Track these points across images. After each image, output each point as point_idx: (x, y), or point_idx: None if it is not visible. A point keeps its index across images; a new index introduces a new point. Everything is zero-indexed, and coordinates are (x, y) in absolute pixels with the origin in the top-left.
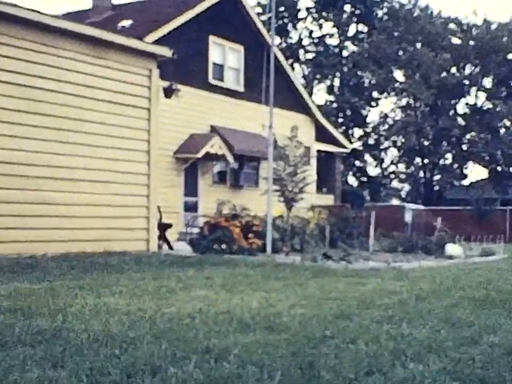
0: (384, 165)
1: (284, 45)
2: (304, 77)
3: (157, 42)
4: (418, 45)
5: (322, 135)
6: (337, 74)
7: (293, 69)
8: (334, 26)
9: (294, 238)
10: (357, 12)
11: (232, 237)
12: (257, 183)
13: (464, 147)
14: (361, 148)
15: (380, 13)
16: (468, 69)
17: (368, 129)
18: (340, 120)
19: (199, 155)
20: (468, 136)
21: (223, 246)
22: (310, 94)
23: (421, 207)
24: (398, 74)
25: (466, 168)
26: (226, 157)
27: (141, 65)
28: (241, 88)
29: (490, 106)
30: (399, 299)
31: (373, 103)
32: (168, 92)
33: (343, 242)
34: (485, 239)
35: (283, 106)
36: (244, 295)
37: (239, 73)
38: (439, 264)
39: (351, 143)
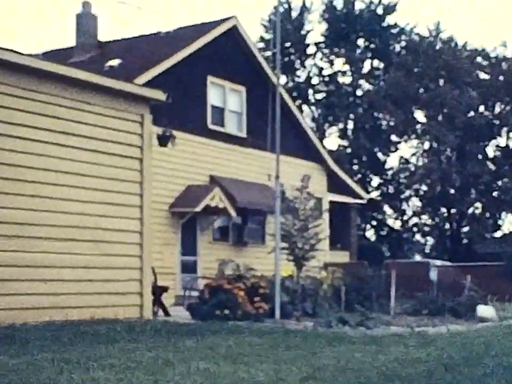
0: (405, 217)
1: (290, 84)
2: (313, 119)
3: (149, 84)
4: (441, 82)
5: (335, 184)
6: (351, 116)
7: (301, 111)
8: (346, 62)
9: (305, 301)
10: (372, 46)
11: (236, 301)
12: (263, 239)
13: (495, 194)
14: (379, 198)
15: (398, 47)
16: (498, 107)
17: (387, 177)
18: (355, 167)
19: (198, 209)
20: (499, 182)
21: (226, 312)
22: (321, 138)
23: (448, 263)
24: (419, 115)
25: (498, 218)
26: (228, 211)
27: (132, 110)
28: (243, 134)
29: None
30: (425, 369)
31: (392, 148)
32: (163, 140)
33: (361, 305)
34: None
35: (291, 153)
36: (250, 367)
37: (241, 117)
38: (470, 328)
39: (368, 192)
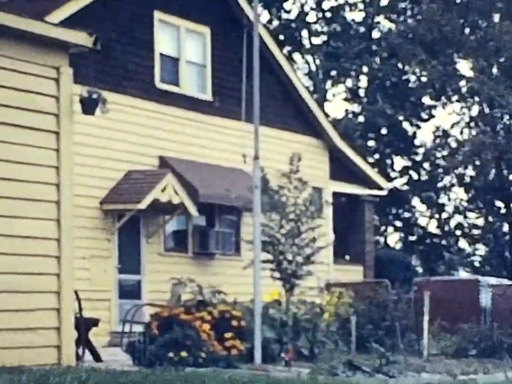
0: (444, 215)
1: (276, 23)
2: (310, 74)
3: (68, 23)
4: (496, 17)
5: (341, 168)
6: (364, 69)
7: (292, 62)
8: None
9: (299, 338)
10: None
11: (198, 338)
12: (237, 249)
13: None
14: (406, 188)
15: None
16: None
17: (417, 157)
18: (370, 143)
19: (142, 205)
20: None
21: (184, 354)
22: (321, 102)
23: (507, 281)
24: (464, 66)
25: None
26: (187, 208)
27: (43, 61)
28: (208, 96)
29: None
30: None
31: (424, 115)
32: (89, 105)
33: (379, 343)
34: None
35: (276, 123)
36: None
37: (204, 71)
38: None
39: (390, 180)
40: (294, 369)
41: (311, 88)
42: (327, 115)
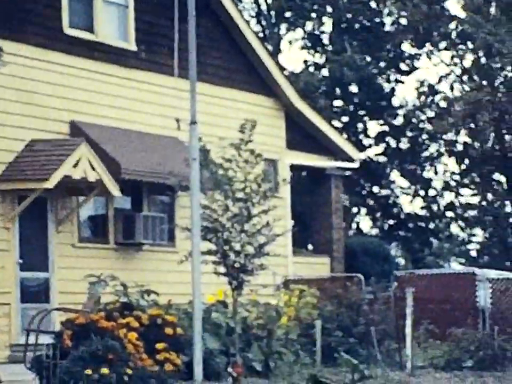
0: (431, 192)
1: None
2: (260, 16)
3: None
4: None
5: (301, 135)
6: (328, 8)
7: (238, 0)
8: None
9: (250, 349)
10: None
11: (123, 350)
12: (171, 238)
13: None
14: (382, 159)
15: None
16: None
17: (396, 121)
18: (337, 103)
19: (49, 184)
20: None
21: (105, 371)
22: (275, 52)
23: (510, 274)
24: (454, 5)
25: None
26: (106, 187)
27: None
28: (131, 45)
29: None
30: None
31: (404, 66)
32: None
33: (351, 353)
34: None
35: (219, 80)
36: None
37: (127, 13)
38: None
39: (362, 149)
40: None
41: (261, 35)
42: (282, 68)
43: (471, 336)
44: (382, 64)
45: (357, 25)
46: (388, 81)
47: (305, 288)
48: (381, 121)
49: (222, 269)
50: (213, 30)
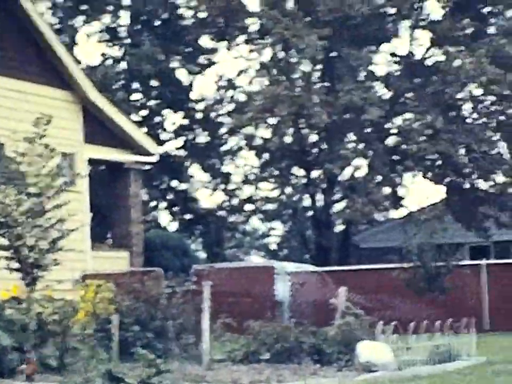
0: (230, 186)
1: None
2: (55, 8)
3: None
4: None
5: (99, 129)
6: (124, 1)
7: None
8: None
9: (44, 345)
10: None
11: None
12: None
13: (392, 141)
14: (181, 153)
15: None
16: None
17: (196, 114)
18: (136, 96)
19: None
20: (397, 120)
21: None
22: (71, 45)
23: (309, 267)
24: None
25: (398, 184)
26: None
27: None
28: None
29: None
30: None
31: (202, 60)
32: None
33: (149, 348)
34: (439, 327)
35: (12, 71)
36: None
37: None
38: None
39: (161, 143)
40: None
41: (58, 27)
42: (78, 61)
43: (269, 329)
44: (181, 58)
45: (155, 20)
46: (187, 74)
47: (103, 284)
48: (180, 115)
49: (15, 265)
50: (5, 21)
